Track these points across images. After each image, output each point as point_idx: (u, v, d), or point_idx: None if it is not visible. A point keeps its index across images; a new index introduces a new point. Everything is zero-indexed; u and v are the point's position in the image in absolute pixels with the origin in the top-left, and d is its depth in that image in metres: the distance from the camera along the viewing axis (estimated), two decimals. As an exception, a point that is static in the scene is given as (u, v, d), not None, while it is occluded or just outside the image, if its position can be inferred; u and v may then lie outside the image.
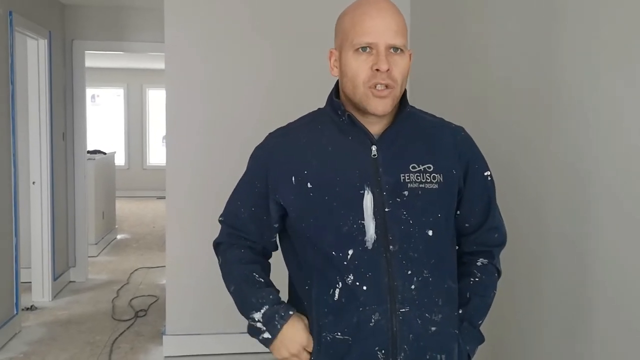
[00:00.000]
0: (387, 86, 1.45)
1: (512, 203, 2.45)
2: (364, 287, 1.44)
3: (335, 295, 1.47)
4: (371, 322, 1.44)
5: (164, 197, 4.14)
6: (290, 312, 1.53)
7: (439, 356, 1.47)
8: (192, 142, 3.95)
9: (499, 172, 2.47)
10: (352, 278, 1.45)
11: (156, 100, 11.85)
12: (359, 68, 1.46)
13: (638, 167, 1.78)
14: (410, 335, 1.45)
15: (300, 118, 1.66)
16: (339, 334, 1.47)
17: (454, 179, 1.54)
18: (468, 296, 1.60)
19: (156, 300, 5.15)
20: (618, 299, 1.88)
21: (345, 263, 1.45)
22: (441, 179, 1.51)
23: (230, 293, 1.63)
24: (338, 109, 1.54)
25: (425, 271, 1.47)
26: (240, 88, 3.97)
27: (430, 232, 1.49)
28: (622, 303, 1.86)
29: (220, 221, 1.71)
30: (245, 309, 1.57)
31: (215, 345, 3.98)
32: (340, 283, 1.46)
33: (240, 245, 1.65)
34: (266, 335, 1.52)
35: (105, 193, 7.45)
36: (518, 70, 2.54)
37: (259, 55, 3.96)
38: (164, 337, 4.03)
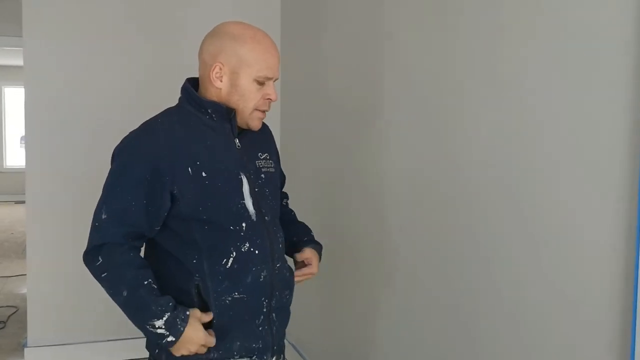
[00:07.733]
0: None
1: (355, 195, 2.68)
2: (256, 252, 1.80)
3: (228, 264, 1.76)
4: (261, 279, 1.81)
5: (23, 202, 3.93)
6: (187, 313, 1.70)
7: (287, 292, 1.91)
8: (54, 143, 3.77)
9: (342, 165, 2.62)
10: (247, 245, 1.78)
11: (13, 98, 11.24)
12: (255, 95, 1.79)
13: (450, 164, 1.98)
14: (280, 283, 1.87)
15: (161, 116, 1.83)
16: (237, 293, 1.77)
17: (277, 162, 2.01)
18: (299, 221, 2.15)
19: (16, 311, 4.86)
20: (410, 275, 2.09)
21: (242, 234, 1.78)
22: (273, 163, 1.95)
23: (119, 297, 1.70)
24: (209, 107, 1.79)
25: (280, 233, 1.91)
26: (106, 85, 3.83)
27: (276, 204, 1.93)
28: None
29: (104, 220, 1.73)
30: (143, 317, 1.69)
31: (81, 354, 3.82)
32: (234, 252, 1.77)
33: (129, 246, 1.75)
34: (170, 338, 1.68)
35: (-44, 198, 6.94)
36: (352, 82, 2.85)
37: (126, 49, 3.84)
38: (25, 349, 3.84)
